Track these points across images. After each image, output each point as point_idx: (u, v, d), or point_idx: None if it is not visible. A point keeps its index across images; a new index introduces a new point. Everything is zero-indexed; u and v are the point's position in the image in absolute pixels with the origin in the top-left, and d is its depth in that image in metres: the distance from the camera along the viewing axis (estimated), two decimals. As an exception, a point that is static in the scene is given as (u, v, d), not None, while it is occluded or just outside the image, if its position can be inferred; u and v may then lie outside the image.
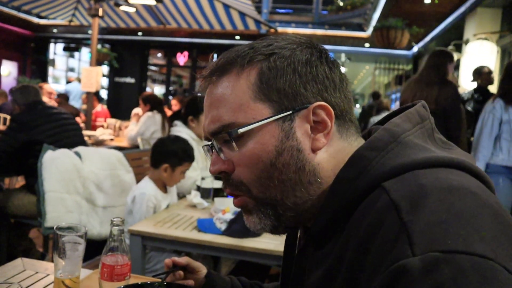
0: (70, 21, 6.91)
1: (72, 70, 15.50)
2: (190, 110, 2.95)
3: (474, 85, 4.60)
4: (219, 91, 0.68)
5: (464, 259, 0.45)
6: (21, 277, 1.25)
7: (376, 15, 8.30)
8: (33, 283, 1.22)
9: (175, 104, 7.04)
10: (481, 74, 4.61)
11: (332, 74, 0.67)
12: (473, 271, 0.44)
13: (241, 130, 0.65)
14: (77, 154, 2.48)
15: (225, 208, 1.93)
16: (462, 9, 6.85)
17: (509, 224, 0.51)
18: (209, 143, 0.72)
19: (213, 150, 0.71)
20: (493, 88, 4.63)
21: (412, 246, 0.47)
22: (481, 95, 4.50)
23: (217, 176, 2.17)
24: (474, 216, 0.49)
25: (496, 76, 6.32)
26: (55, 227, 1.07)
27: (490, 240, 0.47)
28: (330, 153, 0.66)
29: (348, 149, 0.67)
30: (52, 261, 1.11)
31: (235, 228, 1.80)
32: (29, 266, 1.34)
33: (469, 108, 4.39)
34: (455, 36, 7.60)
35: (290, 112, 0.65)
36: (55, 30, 12.94)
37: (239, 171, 0.67)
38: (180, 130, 2.92)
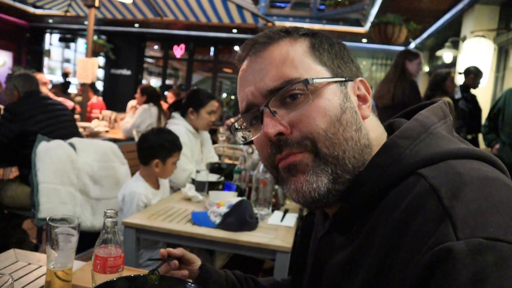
0: (66, 11, 6.84)
1: (67, 61, 15.40)
2: (191, 102, 2.91)
3: (461, 82, 4.62)
4: (277, 53, 0.69)
5: (505, 247, 0.47)
6: (14, 268, 1.25)
7: (374, 11, 8.28)
8: (25, 274, 1.22)
9: (170, 97, 7.02)
10: (467, 75, 4.62)
11: (355, 61, 0.74)
12: None
13: (316, 81, 0.66)
14: (72, 145, 2.46)
15: (220, 202, 1.93)
16: (460, 6, 6.84)
17: None
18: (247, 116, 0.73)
19: (265, 116, 0.68)
20: (476, 90, 4.66)
21: (456, 230, 0.49)
22: (469, 94, 4.55)
23: (213, 167, 2.15)
24: (510, 207, 0.51)
25: (492, 74, 6.33)
26: (48, 218, 1.07)
27: None
28: (371, 125, 0.71)
29: (380, 129, 0.73)
30: (45, 252, 1.11)
31: (230, 221, 1.79)
32: (22, 257, 1.33)
33: (463, 107, 4.40)
34: (453, 33, 7.59)
35: (344, 79, 0.69)
36: (51, 21, 12.82)
37: (303, 126, 0.66)
38: (177, 122, 2.89)
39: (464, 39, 6.81)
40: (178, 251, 1.07)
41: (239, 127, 0.76)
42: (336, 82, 0.68)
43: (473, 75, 4.54)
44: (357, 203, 0.64)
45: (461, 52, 6.73)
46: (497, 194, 0.53)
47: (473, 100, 4.56)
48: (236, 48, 12.39)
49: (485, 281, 0.45)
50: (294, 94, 0.66)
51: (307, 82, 0.65)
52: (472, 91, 4.61)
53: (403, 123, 0.69)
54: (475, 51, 6.12)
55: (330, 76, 0.68)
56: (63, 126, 3.09)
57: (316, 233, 0.80)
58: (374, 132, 0.70)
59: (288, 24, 10.53)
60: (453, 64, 7.44)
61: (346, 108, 0.67)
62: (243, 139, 0.76)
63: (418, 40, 9.87)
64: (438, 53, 7.77)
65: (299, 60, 0.68)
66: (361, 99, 0.71)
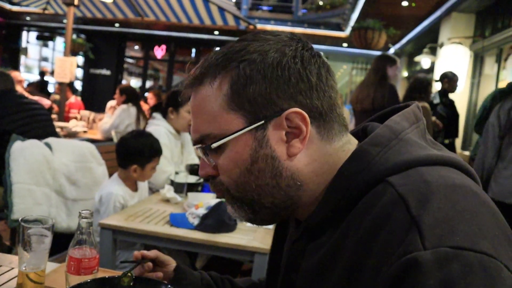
0: (44, 9, 6.71)
1: (45, 59, 15.11)
2: (171, 102, 2.91)
3: (439, 87, 4.70)
4: (196, 101, 0.70)
5: (472, 256, 0.48)
6: (-17, 272, 1.21)
7: (355, 16, 8.38)
8: (-4, 276, 1.19)
9: (151, 98, 6.96)
10: (443, 79, 4.68)
11: (307, 73, 0.65)
12: (480, 268, 0.47)
13: (214, 145, 0.67)
14: (48, 145, 2.41)
15: (199, 203, 1.92)
16: (438, 13, 6.98)
17: (504, 223, 0.55)
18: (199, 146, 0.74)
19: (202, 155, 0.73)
20: (453, 95, 4.75)
21: (423, 240, 0.49)
22: (447, 99, 4.63)
23: (192, 169, 2.14)
24: (476, 215, 0.52)
25: (468, 80, 6.48)
26: (20, 219, 1.04)
27: (491, 238, 0.50)
28: (311, 155, 0.66)
29: (330, 149, 0.67)
30: (18, 254, 1.08)
31: (208, 223, 1.79)
32: (-7, 258, 1.30)
33: (441, 112, 4.48)
34: (431, 39, 7.75)
35: (263, 121, 0.64)
36: (28, 18, 12.56)
37: (222, 175, 0.70)
38: (158, 123, 2.87)
39: (441, 45, 6.96)
40: (152, 253, 1.06)
41: None
42: (250, 129, 0.65)
43: (447, 79, 4.62)
44: (328, 210, 0.64)
45: (439, 58, 6.88)
46: (463, 201, 0.53)
47: (451, 105, 4.64)
48: (218, 49, 12.36)
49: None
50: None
51: (208, 148, 0.68)
52: (450, 96, 4.69)
53: (376, 127, 0.68)
54: (452, 57, 6.26)
55: (244, 123, 0.65)
56: (39, 125, 3.03)
57: (290, 237, 0.80)
58: (316, 161, 0.66)
59: (269, 27, 10.58)
60: (430, 69, 7.59)
61: (258, 158, 0.65)
62: None
63: (397, 46, 10.04)
64: (417, 58, 7.92)
65: (212, 113, 0.67)
66: (292, 133, 0.65)
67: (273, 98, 0.64)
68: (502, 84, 5.21)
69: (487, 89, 6.35)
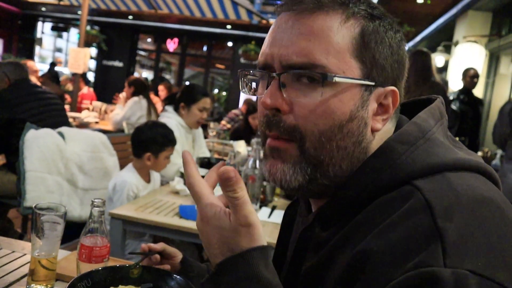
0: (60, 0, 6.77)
1: (59, 50, 15.23)
2: (184, 97, 2.91)
3: (461, 85, 4.65)
4: (319, 25, 0.61)
5: (489, 285, 0.47)
6: (-4, 258, 1.23)
7: (369, 12, 8.31)
8: (9, 262, 1.21)
9: (162, 90, 6.99)
10: (465, 76, 4.66)
11: (407, 62, 0.66)
12: None
13: (337, 79, 0.60)
14: (61, 134, 2.44)
15: (208, 196, 1.93)
16: (453, 11, 6.89)
17: None
18: (266, 73, 0.65)
19: (272, 83, 0.63)
20: (476, 91, 4.69)
21: (445, 255, 0.48)
22: (466, 95, 4.56)
23: (202, 162, 2.13)
24: (501, 238, 0.51)
25: (482, 80, 6.40)
26: (34, 206, 1.06)
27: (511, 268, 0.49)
28: (380, 136, 0.66)
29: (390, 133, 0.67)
30: (30, 241, 1.10)
31: (217, 216, 1.79)
32: (6, 244, 1.32)
33: (455, 108, 4.44)
34: (445, 37, 7.66)
35: (374, 83, 0.63)
36: (43, 9, 12.67)
37: (301, 117, 0.62)
38: (169, 116, 2.88)
39: (456, 43, 6.87)
40: (159, 245, 1.07)
41: (249, 74, 0.71)
42: (361, 85, 0.62)
43: (472, 73, 4.55)
44: (344, 202, 0.63)
45: (453, 56, 6.79)
46: (490, 220, 0.52)
47: (470, 102, 4.56)
48: (230, 44, 12.36)
49: None
50: (311, 78, 0.61)
51: (325, 77, 0.59)
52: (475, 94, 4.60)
53: (402, 120, 0.68)
54: (467, 56, 6.18)
55: (360, 76, 0.61)
56: (53, 115, 3.07)
57: (298, 225, 0.79)
58: (380, 142, 0.65)
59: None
60: (444, 68, 7.50)
61: (356, 117, 0.62)
62: (244, 90, 0.71)
63: (411, 43, 9.94)
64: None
65: (336, 46, 0.60)
66: (382, 109, 0.65)
67: (388, 69, 0.64)
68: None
69: (502, 89, 6.26)
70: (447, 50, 7.38)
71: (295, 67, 0.61)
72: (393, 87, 0.64)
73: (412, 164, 0.59)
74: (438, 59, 7.52)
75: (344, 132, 0.61)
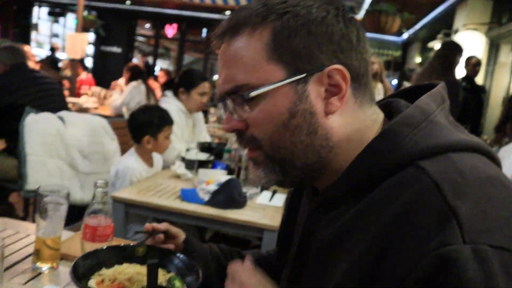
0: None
1: (56, 36, 15.10)
2: (183, 82, 2.89)
3: (463, 73, 4.64)
4: (232, 51, 0.67)
5: (509, 257, 0.49)
6: (1, 236, 1.25)
7: (369, -1, 8.24)
8: (13, 242, 1.22)
9: (161, 76, 6.96)
10: (468, 64, 4.65)
11: (349, 33, 0.65)
12: None
13: (253, 94, 0.64)
14: (61, 118, 2.44)
15: (209, 179, 1.94)
16: (453, -2, 6.86)
17: None
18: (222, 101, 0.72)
19: (227, 110, 0.70)
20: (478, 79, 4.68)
21: (462, 232, 0.49)
22: (469, 83, 4.55)
23: (203, 147, 2.15)
24: (511, 212, 0.53)
25: (482, 68, 6.38)
26: (37, 188, 1.07)
27: None
28: (345, 117, 0.66)
29: (362, 116, 0.67)
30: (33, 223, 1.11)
31: (218, 199, 1.81)
32: (10, 225, 1.34)
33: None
34: (445, 25, 7.61)
35: (304, 75, 0.64)
36: (40, -7, 12.53)
37: (252, 128, 0.68)
38: (169, 101, 2.87)
39: (456, 31, 6.84)
40: (163, 225, 1.08)
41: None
42: (291, 82, 0.64)
43: (474, 61, 4.54)
44: (349, 184, 0.64)
45: (453, 44, 6.75)
46: (498, 196, 0.54)
47: (473, 90, 4.54)
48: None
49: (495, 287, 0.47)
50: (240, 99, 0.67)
51: (244, 96, 0.65)
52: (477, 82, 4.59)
53: (401, 105, 0.68)
54: (467, 44, 6.15)
55: (285, 75, 0.64)
56: (52, 100, 3.05)
57: (305, 207, 0.80)
58: (349, 124, 0.66)
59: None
60: (444, 56, 7.46)
61: (297, 112, 0.64)
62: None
63: (411, 31, 9.90)
64: (430, 44, 7.80)
65: (250, 62, 0.65)
66: (331, 91, 0.65)
67: (315, 53, 0.64)
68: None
69: (502, 77, 6.25)
70: (447, 38, 7.35)
71: (228, 93, 0.68)
72: (334, 66, 0.64)
73: (415, 145, 0.60)
74: (437, 47, 7.49)
75: (291, 129, 0.65)
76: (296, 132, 0.65)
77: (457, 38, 6.44)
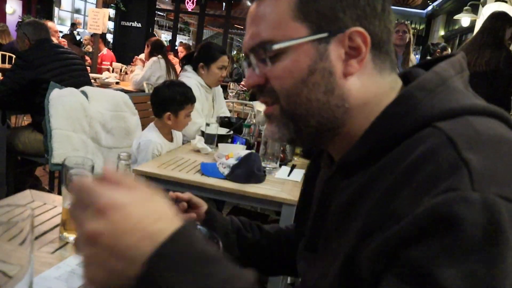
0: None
1: (78, 11, 15.18)
2: (202, 57, 2.89)
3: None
4: (260, 9, 0.70)
5: None
6: (31, 206, 1.29)
7: (393, -30, 7.98)
8: (41, 213, 1.27)
9: (181, 51, 6.96)
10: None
11: (374, 2, 0.66)
12: None
13: (275, 47, 0.67)
14: (84, 93, 2.48)
15: (229, 154, 1.96)
16: (482, -32, 6.58)
17: None
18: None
19: (250, 66, 0.72)
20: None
21: (472, 181, 0.49)
22: None
23: (223, 121, 2.16)
24: None
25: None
26: (63, 160, 1.10)
27: None
28: (363, 81, 0.67)
29: (381, 82, 0.68)
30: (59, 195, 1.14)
31: (238, 173, 1.83)
32: (38, 197, 1.38)
33: None
34: (473, -4, 7.35)
35: (327, 34, 0.65)
36: (61, -32, 12.54)
37: (272, 81, 0.69)
38: (189, 75, 2.88)
39: (484, 3, 6.59)
40: (186, 195, 1.10)
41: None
42: (313, 40, 0.65)
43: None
44: (366, 149, 0.65)
45: (480, 17, 6.53)
46: (510, 157, 0.54)
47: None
48: (249, 3, 12.10)
49: (503, 233, 0.47)
50: (264, 53, 0.68)
51: (266, 50, 0.67)
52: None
53: (420, 73, 0.68)
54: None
55: (308, 33, 0.66)
56: (75, 75, 3.10)
57: (322, 176, 0.81)
58: (367, 88, 0.67)
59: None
60: (470, 29, 7.24)
61: (316, 70, 0.66)
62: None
63: (437, 3, 9.58)
64: (456, 17, 7.55)
65: (275, 19, 0.67)
66: (354, 51, 0.66)
67: (340, 15, 0.65)
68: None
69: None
70: (474, 10, 7.09)
71: (252, 49, 0.70)
72: (356, 28, 0.65)
73: (432, 108, 0.60)
74: (464, 20, 7.25)
75: (309, 86, 0.66)
76: (313, 89, 0.66)
77: (485, 10, 6.21)
